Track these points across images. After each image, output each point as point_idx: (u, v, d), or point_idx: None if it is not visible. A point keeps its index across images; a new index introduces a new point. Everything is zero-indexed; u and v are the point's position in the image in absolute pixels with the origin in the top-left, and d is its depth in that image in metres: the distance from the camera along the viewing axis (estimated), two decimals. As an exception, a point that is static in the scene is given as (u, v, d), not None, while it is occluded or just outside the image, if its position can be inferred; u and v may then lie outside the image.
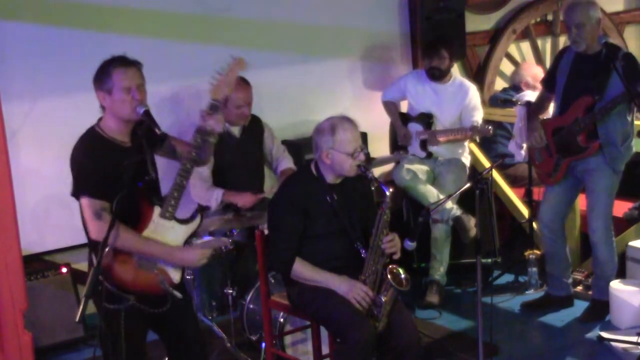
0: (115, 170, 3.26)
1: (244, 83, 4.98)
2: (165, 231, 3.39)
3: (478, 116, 5.56)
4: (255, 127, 5.23)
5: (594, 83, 4.71)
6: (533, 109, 5.13)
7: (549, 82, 5.08)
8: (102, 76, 3.31)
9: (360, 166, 3.80)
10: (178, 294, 3.40)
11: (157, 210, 3.39)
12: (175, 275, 3.43)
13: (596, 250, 4.95)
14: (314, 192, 3.87)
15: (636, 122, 5.10)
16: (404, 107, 5.99)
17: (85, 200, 3.28)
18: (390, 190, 3.78)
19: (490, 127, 5.37)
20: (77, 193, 3.30)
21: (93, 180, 3.26)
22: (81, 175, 3.28)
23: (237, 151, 5.04)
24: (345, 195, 3.91)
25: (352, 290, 3.74)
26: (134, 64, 3.34)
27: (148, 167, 3.42)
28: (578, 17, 4.66)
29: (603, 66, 4.67)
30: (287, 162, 5.28)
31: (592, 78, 4.72)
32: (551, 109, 5.19)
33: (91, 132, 3.38)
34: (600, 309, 5.02)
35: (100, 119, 3.40)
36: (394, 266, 3.78)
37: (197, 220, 3.49)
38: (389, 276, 3.72)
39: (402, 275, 3.76)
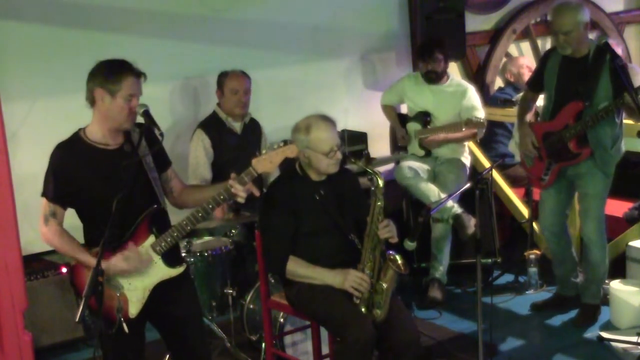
0: (97, 173, 3.28)
1: (240, 73, 5.20)
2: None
3: (479, 115, 5.48)
4: (255, 128, 5.35)
5: (583, 88, 4.63)
6: (520, 111, 5.08)
7: (535, 84, 5.01)
8: (112, 76, 3.25)
9: (345, 159, 3.84)
10: (125, 329, 3.30)
11: (151, 239, 3.36)
12: (133, 309, 3.35)
13: (589, 252, 4.93)
14: (300, 191, 3.87)
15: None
16: (403, 109, 6.00)
17: (43, 201, 3.36)
18: (380, 174, 3.78)
19: (484, 120, 5.36)
20: (42, 193, 3.36)
21: (53, 185, 3.31)
22: (46, 177, 3.34)
23: (237, 147, 5.08)
24: (333, 190, 3.91)
25: (347, 279, 3.74)
26: (142, 76, 3.32)
27: (146, 169, 3.38)
28: (566, 25, 4.57)
29: (591, 69, 4.61)
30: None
31: (582, 82, 4.63)
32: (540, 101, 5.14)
33: (72, 137, 3.38)
34: (591, 313, 4.99)
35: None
36: (392, 253, 3.78)
37: (181, 268, 3.44)
38: (387, 262, 3.73)
39: (400, 261, 3.76)
